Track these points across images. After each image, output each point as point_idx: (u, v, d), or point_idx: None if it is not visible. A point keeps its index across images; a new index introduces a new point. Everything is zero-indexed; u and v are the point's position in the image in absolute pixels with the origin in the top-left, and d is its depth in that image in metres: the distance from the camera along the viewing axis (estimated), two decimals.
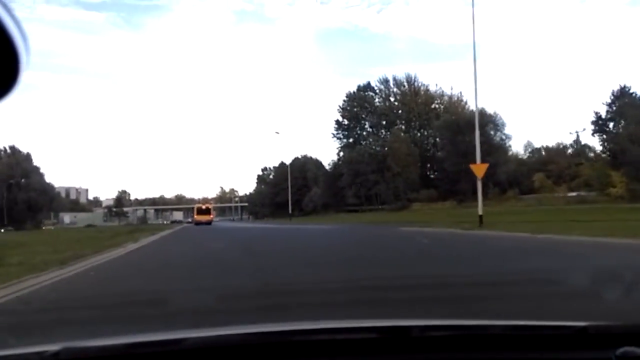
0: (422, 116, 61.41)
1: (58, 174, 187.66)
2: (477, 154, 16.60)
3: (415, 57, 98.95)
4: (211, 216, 54.43)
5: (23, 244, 12.71)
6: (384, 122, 64.36)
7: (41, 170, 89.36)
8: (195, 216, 54.33)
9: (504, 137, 49.02)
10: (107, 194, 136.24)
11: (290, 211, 53.55)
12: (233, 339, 1.25)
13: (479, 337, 1.25)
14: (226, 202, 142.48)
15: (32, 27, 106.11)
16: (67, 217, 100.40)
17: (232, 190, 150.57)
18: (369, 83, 67.14)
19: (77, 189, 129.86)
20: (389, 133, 61.95)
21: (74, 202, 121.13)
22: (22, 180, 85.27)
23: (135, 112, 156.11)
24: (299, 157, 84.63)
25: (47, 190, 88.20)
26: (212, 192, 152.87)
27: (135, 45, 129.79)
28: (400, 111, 64.52)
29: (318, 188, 72.72)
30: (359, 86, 67.29)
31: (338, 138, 67.87)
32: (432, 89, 64.83)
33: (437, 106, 63.72)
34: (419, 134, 61.86)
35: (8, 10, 0.79)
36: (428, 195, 53.25)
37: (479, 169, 16.09)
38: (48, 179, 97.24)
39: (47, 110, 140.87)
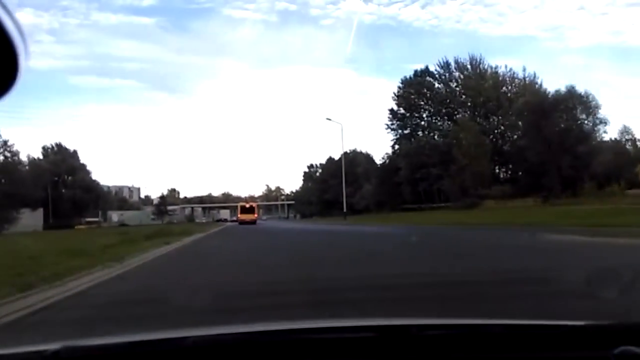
0: (491, 101, 53.79)
1: (112, 173, 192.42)
2: None
3: (465, 51, 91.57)
4: (255, 215, 50.82)
5: None
6: (445, 110, 57.29)
7: (88, 168, 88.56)
8: (239, 215, 51.10)
9: (597, 121, 40.90)
10: (158, 192, 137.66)
11: (344, 209, 47.54)
12: (233, 338, 1.25)
13: (478, 337, 1.23)
14: (272, 201, 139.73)
15: (87, 33, 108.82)
16: (114, 215, 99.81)
17: (278, 189, 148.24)
18: (427, 67, 60.18)
19: (129, 188, 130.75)
20: (449, 122, 54.97)
21: (122, 200, 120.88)
22: (68, 177, 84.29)
23: (189, 113, 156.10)
24: (348, 151, 78.92)
25: (93, 187, 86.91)
26: (258, 191, 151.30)
27: (183, 47, 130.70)
28: (464, 97, 57.15)
29: (370, 184, 66.56)
30: (415, 71, 60.50)
31: (392, 129, 61.30)
32: (501, 71, 56.96)
33: (507, 90, 55.85)
34: (485, 123, 54.20)
35: (8, 10, 0.80)
36: (502, 191, 45.96)
37: None
38: (101, 178, 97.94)
39: (107, 113, 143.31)
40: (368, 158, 75.29)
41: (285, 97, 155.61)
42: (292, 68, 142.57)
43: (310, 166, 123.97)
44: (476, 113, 55.19)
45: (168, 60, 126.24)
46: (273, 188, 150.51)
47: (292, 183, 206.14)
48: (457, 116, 54.20)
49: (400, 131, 58.61)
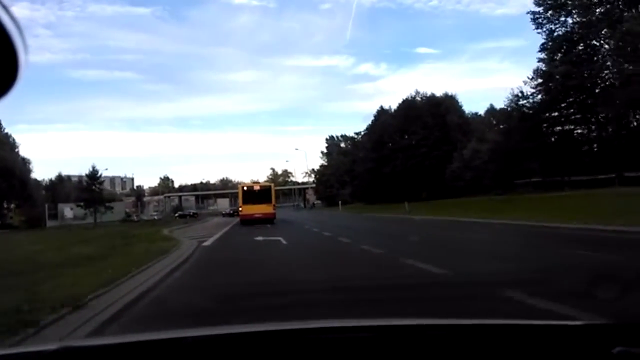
0: None
1: (109, 164, 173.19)
2: None
3: (466, 32, 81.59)
4: (271, 207, 26.99)
5: None
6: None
7: (15, 141, 59.12)
8: (242, 207, 27.17)
9: None
10: (152, 182, 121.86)
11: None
12: (233, 338, 1.26)
13: (477, 337, 1.24)
14: (279, 186, 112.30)
15: (85, 25, 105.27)
16: (67, 210, 71.67)
17: (286, 172, 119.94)
18: None
19: (122, 178, 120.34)
20: None
21: (86, 189, 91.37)
22: None
23: (188, 101, 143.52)
24: (420, 96, 47.56)
25: (17, 170, 56.51)
26: (262, 176, 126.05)
27: (181, 36, 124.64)
28: None
29: (479, 143, 36.46)
30: None
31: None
32: None
33: None
34: None
35: (7, 10, 0.80)
36: None
37: None
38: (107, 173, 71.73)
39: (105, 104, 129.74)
40: (456, 106, 44.93)
41: (287, 80, 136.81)
42: (291, 52, 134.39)
43: (331, 138, 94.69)
44: None
45: (166, 50, 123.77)
46: (280, 172, 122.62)
47: (302, 165, 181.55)
48: None
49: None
